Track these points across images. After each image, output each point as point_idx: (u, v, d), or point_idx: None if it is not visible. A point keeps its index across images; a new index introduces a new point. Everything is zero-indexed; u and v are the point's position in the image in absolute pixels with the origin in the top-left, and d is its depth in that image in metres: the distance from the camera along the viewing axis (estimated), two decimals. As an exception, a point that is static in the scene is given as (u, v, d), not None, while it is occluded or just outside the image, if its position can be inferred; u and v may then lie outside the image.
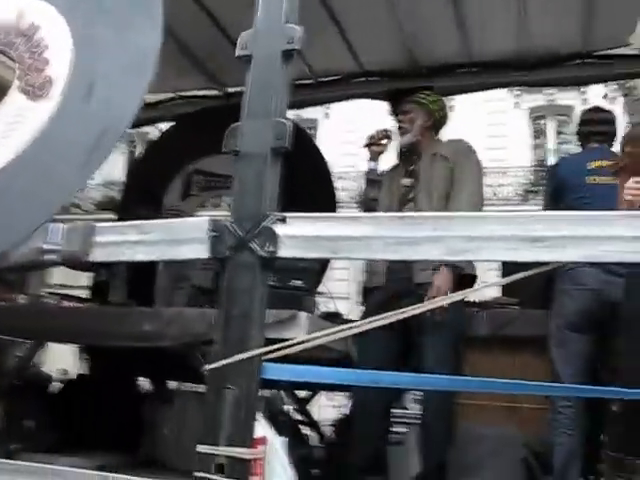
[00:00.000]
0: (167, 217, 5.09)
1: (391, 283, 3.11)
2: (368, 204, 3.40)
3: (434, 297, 2.81)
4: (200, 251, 2.03)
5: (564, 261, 1.91)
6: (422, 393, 3.05)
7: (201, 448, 1.82)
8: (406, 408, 4.40)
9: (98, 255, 2.21)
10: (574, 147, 3.92)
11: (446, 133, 3.58)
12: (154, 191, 4.88)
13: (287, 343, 1.88)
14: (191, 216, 5.03)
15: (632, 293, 2.54)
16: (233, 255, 1.95)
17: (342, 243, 1.90)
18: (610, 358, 2.96)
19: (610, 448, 2.52)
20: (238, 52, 2.21)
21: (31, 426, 3.19)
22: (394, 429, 3.28)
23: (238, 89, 5.10)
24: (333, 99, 5.09)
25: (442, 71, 4.56)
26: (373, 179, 3.40)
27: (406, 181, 3.38)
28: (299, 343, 1.89)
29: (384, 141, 3.40)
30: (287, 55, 2.16)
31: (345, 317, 3.56)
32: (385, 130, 3.45)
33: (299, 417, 3.91)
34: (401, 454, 3.10)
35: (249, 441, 1.81)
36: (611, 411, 2.52)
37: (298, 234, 1.93)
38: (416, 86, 3.82)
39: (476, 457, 2.95)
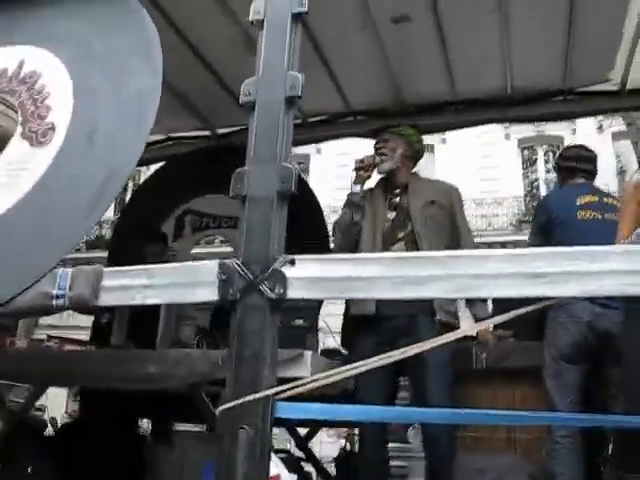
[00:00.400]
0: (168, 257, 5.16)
1: (386, 319, 3.12)
2: (351, 228, 3.39)
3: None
4: (210, 294, 2.07)
5: (564, 296, 1.97)
6: (422, 429, 3.08)
7: (217, 488, 1.85)
8: (408, 442, 4.42)
9: (107, 299, 2.25)
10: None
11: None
12: (157, 229, 4.94)
13: (300, 382, 1.92)
14: (186, 256, 5.09)
15: (629, 325, 2.61)
16: (243, 297, 2.00)
17: (350, 283, 1.96)
18: (604, 387, 3.03)
19: (611, 466, 2.58)
20: (242, 99, 2.29)
21: (30, 471, 3.17)
22: (396, 462, 3.31)
23: (228, 130, 5.22)
24: (322, 139, 5.19)
25: (429, 109, 4.69)
26: (358, 203, 3.43)
27: (391, 215, 3.42)
28: (311, 382, 1.93)
29: (371, 167, 3.45)
30: (290, 102, 2.25)
31: (343, 352, 3.60)
32: (374, 156, 3.52)
33: (301, 454, 3.93)
34: (404, 487, 3.14)
35: (265, 479, 1.84)
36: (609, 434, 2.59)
37: (306, 276, 1.99)
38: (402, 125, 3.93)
39: (480, 488, 3.00)
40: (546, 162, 17.40)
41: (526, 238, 3.86)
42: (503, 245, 14.75)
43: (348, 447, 7.55)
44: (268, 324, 1.98)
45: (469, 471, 3.03)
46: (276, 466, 1.90)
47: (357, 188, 3.45)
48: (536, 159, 17.57)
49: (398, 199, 3.45)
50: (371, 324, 3.15)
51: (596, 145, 4.13)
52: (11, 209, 2.64)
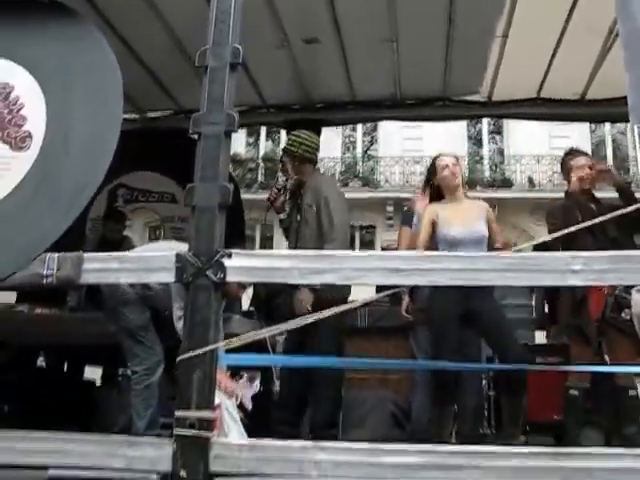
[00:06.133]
0: (92, 229, 5.82)
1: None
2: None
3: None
4: (168, 277, 2.87)
5: (413, 284, 2.89)
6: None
7: (178, 413, 2.67)
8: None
9: (88, 278, 3.00)
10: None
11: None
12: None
13: (236, 339, 2.77)
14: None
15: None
16: (194, 280, 2.80)
17: (272, 272, 2.81)
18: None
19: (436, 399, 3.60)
20: (191, 130, 3.00)
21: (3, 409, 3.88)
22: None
23: (156, 114, 5.93)
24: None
25: (330, 107, 5.58)
26: (286, 227, 4.22)
27: (297, 217, 4.16)
28: (245, 339, 2.79)
29: (279, 195, 4.23)
30: (228, 134, 3.01)
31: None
32: (277, 188, 4.28)
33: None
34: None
35: (211, 406, 2.69)
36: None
37: (240, 265, 2.81)
38: (306, 118, 4.74)
39: (360, 413, 4.00)
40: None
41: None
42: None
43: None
44: (213, 299, 2.78)
45: (353, 402, 4.02)
46: (219, 398, 2.76)
47: (282, 215, 4.22)
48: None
49: (299, 202, 4.18)
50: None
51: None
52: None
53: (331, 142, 16.17)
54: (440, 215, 3.68)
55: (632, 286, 3.42)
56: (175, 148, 5.08)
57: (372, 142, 18.37)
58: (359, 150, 18.39)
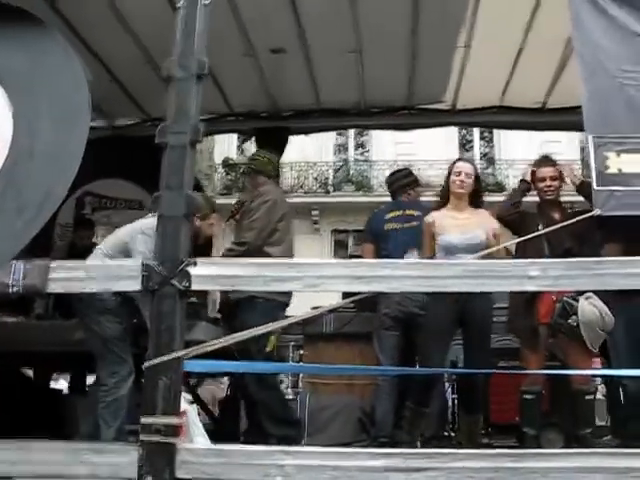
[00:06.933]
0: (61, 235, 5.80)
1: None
2: None
3: None
4: (135, 285, 2.90)
5: (376, 291, 2.97)
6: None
7: (144, 419, 2.70)
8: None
9: (55, 287, 3.01)
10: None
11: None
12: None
13: (200, 346, 2.81)
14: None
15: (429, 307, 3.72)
16: (160, 288, 2.83)
17: (236, 280, 2.86)
18: (413, 348, 4.11)
19: (410, 401, 3.68)
20: (157, 139, 3.02)
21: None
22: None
23: (124, 122, 5.95)
24: (207, 133, 6.01)
25: (297, 115, 5.65)
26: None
27: None
28: (209, 346, 2.83)
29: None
30: (193, 144, 3.05)
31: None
32: (239, 203, 4.56)
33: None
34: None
35: (176, 412, 2.73)
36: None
37: (205, 274, 2.86)
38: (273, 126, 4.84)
39: (325, 418, 4.05)
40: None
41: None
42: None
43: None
44: (178, 307, 2.82)
45: (315, 408, 4.08)
46: (184, 404, 2.80)
47: None
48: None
49: None
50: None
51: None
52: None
53: (323, 146, 16.29)
54: (437, 224, 3.81)
55: (582, 292, 3.51)
56: (142, 155, 5.09)
57: (360, 146, 18.54)
58: (351, 154, 18.50)
